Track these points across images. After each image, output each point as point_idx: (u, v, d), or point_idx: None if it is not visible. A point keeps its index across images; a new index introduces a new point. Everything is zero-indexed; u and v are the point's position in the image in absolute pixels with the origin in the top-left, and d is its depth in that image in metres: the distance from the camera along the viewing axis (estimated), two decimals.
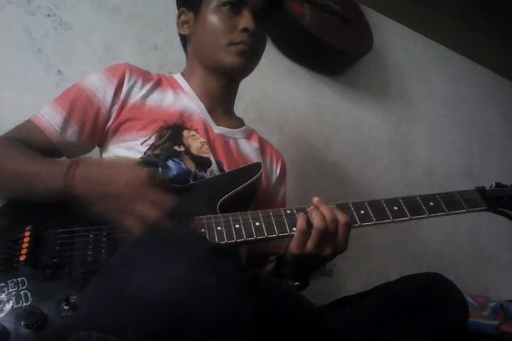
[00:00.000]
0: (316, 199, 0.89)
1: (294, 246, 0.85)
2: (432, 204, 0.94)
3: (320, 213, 0.86)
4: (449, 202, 0.95)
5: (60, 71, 1.39)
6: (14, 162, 0.86)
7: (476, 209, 0.97)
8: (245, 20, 1.03)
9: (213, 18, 1.05)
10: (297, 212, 0.89)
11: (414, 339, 0.82)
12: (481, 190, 0.99)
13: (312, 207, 0.88)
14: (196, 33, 1.09)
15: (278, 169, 1.22)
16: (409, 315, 0.83)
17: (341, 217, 0.86)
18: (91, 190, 0.77)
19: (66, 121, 0.97)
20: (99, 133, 1.01)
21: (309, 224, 0.85)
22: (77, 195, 0.77)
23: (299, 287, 0.91)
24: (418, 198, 0.94)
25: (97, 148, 1.06)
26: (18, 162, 0.86)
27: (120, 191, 0.75)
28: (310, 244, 0.84)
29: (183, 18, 1.13)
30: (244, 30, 1.02)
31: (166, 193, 0.78)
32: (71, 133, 0.97)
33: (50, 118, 0.96)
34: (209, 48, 1.07)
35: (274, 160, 1.22)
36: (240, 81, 1.16)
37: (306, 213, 0.87)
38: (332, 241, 0.85)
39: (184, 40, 1.17)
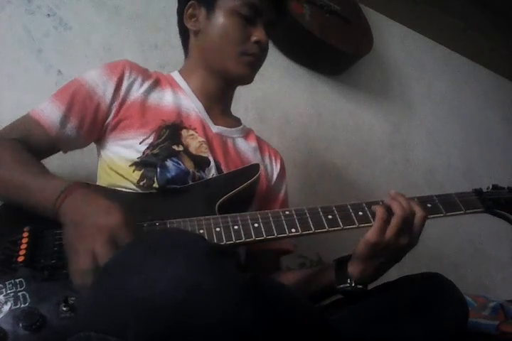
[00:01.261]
0: (392, 192, 0.92)
1: (373, 235, 0.85)
2: (429, 205, 0.95)
3: (399, 203, 0.88)
4: (446, 204, 0.96)
5: (60, 71, 1.39)
6: (9, 170, 0.84)
7: (473, 210, 0.97)
8: (259, 32, 1.04)
9: (228, 23, 1.04)
10: (295, 213, 0.89)
11: (414, 339, 0.82)
12: (478, 192, 1.00)
13: (387, 199, 0.91)
14: (206, 32, 1.08)
15: (278, 166, 1.22)
16: (409, 315, 0.83)
17: (418, 210, 0.89)
18: (69, 219, 0.75)
19: (65, 116, 0.96)
20: (97, 129, 1.01)
21: (389, 213, 0.87)
22: (61, 219, 0.76)
23: (362, 290, 0.90)
24: (416, 200, 0.94)
25: (94, 149, 1.06)
26: (13, 171, 0.84)
27: (89, 221, 0.72)
28: (390, 231, 0.85)
29: (191, 11, 1.10)
30: (257, 42, 1.04)
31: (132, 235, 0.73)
32: (70, 128, 0.97)
33: (49, 112, 0.96)
34: (219, 53, 1.06)
35: (273, 157, 1.23)
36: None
37: (381, 205, 0.90)
38: (409, 230, 0.87)
39: (186, 32, 1.14)
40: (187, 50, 1.16)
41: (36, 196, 0.79)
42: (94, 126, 1.00)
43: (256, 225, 0.86)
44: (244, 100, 1.64)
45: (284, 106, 1.84)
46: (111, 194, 0.90)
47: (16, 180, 0.83)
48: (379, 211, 0.87)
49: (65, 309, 0.67)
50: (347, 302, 0.93)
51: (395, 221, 0.86)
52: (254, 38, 1.04)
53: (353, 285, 0.89)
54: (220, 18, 1.05)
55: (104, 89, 0.99)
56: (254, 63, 1.07)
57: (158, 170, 0.94)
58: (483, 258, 2.19)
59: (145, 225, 0.82)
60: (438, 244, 2.04)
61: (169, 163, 0.95)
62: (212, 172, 1.01)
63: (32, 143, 0.93)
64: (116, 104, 1.00)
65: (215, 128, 1.09)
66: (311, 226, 0.88)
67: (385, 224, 0.86)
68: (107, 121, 1.00)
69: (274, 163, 1.22)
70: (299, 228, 0.88)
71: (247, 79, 1.11)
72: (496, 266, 2.21)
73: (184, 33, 1.15)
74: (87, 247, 0.69)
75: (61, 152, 1.02)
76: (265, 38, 1.05)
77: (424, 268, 1.85)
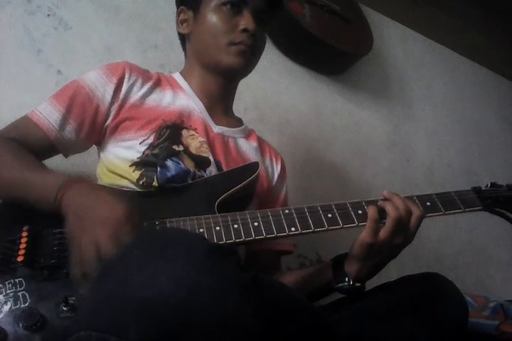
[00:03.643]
0: (385, 192, 0.92)
1: (366, 236, 0.86)
2: (428, 204, 0.95)
3: (393, 204, 0.88)
4: (445, 202, 0.96)
5: (59, 71, 1.39)
6: (9, 168, 0.85)
7: (472, 209, 0.98)
8: (245, 20, 1.03)
9: (213, 18, 1.05)
10: (295, 212, 0.89)
11: (414, 340, 0.82)
12: (476, 190, 1.00)
13: (380, 200, 0.91)
14: (196, 32, 1.09)
15: (278, 167, 1.22)
16: (409, 315, 0.84)
17: (415, 210, 0.89)
18: (72, 211, 0.75)
19: (64, 119, 0.96)
20: (97, 132, 1.01)
21: (380, 214, 0.88)
22: (62, 212, 0.76)
23: (360, 288, 0.91)
24: (415, 198, 0.95)
25: (94, 148, 1.06)
26: (13, 169, 0.85)
27: (93, 214, 0.72)
28: (383, 232, 0.86)
29: (182, 16, 1.13)
30: (245, 30, 1.03)
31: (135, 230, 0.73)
32: (69, 131, 0.97)
33: (47, 115, 0.95)
34: (209, 48, 1.06)
35: (274, 159, 1.22)
36: (238, 81, 1.16)
37: (375, 205, 0.90)
38: (404, 230, 0.87)
39: (183, 38, 1.17)
40: (186, 55, 1.18)
41: (37, 191, 0.80)
42: (93, 129, 0.99)
43: (256, 224, 0.86)
44: (244, 100, 1.64)
45: (284, 106, 1.84)
46: (111, 192, 0.90)
47: (16, 177, 0.83)
48: (370, 211, 0.88)
49: (65, 309, 0.67)
50: (347, 302, 0.93)
51: (388, 222, 0.86)
52: (240, 27, 1.03)
53: (351, 283, 0.90)
54: (205, 16, 1.06)
55: (103, 91, 0.99)
56: (244, 52, 1.04)
57: (159, 169, 0.94)
58: (483, 258, 2.19)
59: (145, 224, 0.82)
60: (438, 244, 2.05)
61: (169, 163, 0.95)
62: (213, 172, 1.01)
63: (31, 145, 0.93)
64: (115, 106, 1.00)
65: (216, 128, 1.09)
66: (311, 225, 0.89)
67: (378, 224, 0.87)
68: (106, 123, 1.00)
69: (274, 164, 1.22)
70: (299, 227, 0.88)
71: (240, 70, 1.09)
72: (496, 266, 2.21)
73: (183, 40, 1.17)
74: (90, 239, 0.69)
75: (61, 154, 1.02)
76: (252, 25, 1.02)
77: (424, 268, 1.87)
